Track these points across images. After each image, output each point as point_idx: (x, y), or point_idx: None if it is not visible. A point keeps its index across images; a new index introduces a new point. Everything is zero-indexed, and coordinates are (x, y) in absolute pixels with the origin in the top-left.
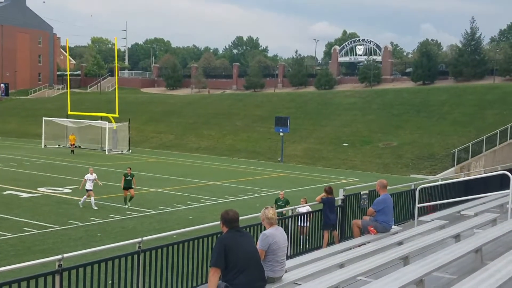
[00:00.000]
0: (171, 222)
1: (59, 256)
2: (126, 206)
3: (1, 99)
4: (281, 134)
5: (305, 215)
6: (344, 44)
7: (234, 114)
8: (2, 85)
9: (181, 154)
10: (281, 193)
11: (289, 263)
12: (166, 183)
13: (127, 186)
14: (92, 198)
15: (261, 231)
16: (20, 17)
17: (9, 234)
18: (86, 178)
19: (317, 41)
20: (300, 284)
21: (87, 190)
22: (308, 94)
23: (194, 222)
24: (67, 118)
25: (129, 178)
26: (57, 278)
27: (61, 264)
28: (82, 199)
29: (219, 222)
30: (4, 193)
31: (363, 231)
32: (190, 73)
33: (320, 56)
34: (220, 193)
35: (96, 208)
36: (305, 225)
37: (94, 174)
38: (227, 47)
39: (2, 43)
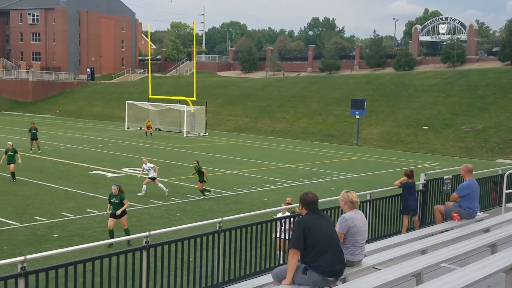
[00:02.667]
0: (246, 204)
1: (146, 233)
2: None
3: (87, 83)
4: (357, 117)
5: (285, 222)
6: (426, 23)
7: (309, 96)
8: (88, 69)
9: (256, 137)
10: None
11: (368, 247)
12: (241, 165)
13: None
14: (160, 185)
15: (338, 215)
16: (104, 3)
17: (96, 212)
18: (143, 168)
19: (397, 20)
20: (379, 269)
21: (151, 179)
22: (386, 75)
23: (269, 204)
24: (148, 101)
25: (196, 172)
26: (144, 254)
27: (148, 241)
28: (143, 190)
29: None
30: (91, 172)
31: (446, 217)
32: (265, 56)
33: (399, 36)
34: (294, 176)
35: (167, 190)
36: (283, 237)
37: (150, 164)
38: (303, 29)
39: (88, 29)
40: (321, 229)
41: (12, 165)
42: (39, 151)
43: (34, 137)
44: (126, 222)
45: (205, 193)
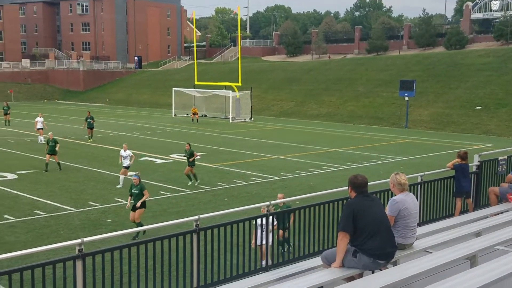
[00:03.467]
0: (293, 188)
1: (196, 217)
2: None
3: (135, 72)
4: (406, 98)
5: (267, 228)
6: (477, 0)
7: (355, 79)
8: (136, 58)
9: (301, 121)
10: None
11: (420, 230)
12: (287, 150)
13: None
14: (122, 177)
15: (388, 198)
16: None
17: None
18: (120, 155)
19: None
20: (431, 252)
21: (124, 167)
22: (437, 55)
23: (316, 188)
24: (194, 88)
25: (188, 156)
26: (195, 237)
27: (198, 225)
28: (120, 181)
29: (342, 188)
30: (141, 159)
31: (501, 199)
32: (311, 39)
33: (450, 14)
34: (341, 159)
35: (120, 186)
36: (264, 242)
37: (128, 151)
38: (349, 10)
39: (135, 18)
40: (371, 212)
41: (55, 156)
42: (91, 140)
43: (90, 126)
44: (140, 215)
45: (192, 178)
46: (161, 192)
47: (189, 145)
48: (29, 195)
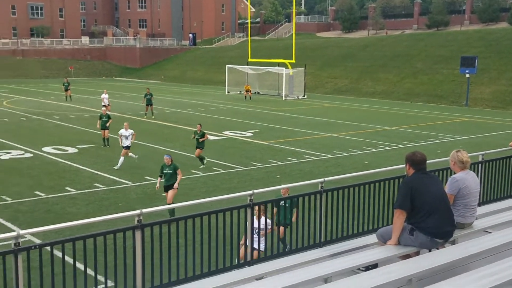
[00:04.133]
0: (346, 167)
1: (250, 192)
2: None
3: (189, 49)
4: (467, 75)
5: (265, 227)
6: None
7: (413, 55)
8: (190, 35)
9: (356, 99)
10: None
11: (480, 210)
12: (341, 128)
13: (196, 145)
14: (122, 158)
15: (447, 176)
16: None
17: (200, 173)
18: (120, 134)
19: None
20: (491, 232)
21: (124, 147)
22: (500, 30)
23: (371, 166)
24: (247, 65)
25: (198, 137)
26: (249, 211)
27: (252, 199)
28: (119, 163)
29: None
30: None
31: None
32: (367, 15)
33: None
34: (397, 138)
35: (118, 167)
36: (257, 247)
37: (130, 130)
38: None
39: None
40: (429, 190)
41: (106, 131)
42: (152, 116)
43: (149, 103)
44: (173, 196)
45: (203, 161)
46: (214, 168)
47: (200, 125)
48: (89, 169)
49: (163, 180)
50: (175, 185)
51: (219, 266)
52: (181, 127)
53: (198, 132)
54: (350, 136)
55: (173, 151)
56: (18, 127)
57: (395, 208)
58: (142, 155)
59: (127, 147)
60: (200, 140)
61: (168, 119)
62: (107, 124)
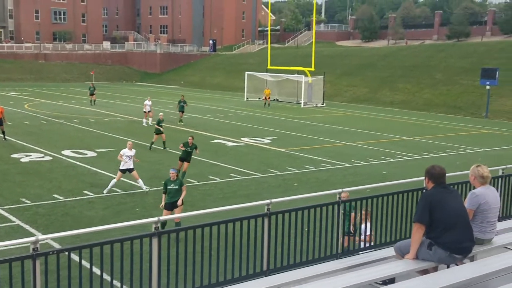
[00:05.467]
0: (364, 176)
1: (268, 201)
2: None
3: (209, 55)
4: (488, 87)
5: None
6: None
7: (433, 66)
8: (210, 41)
9: (375, 108)
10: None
11: (500, 225)
12: (359, 137)
13: (184, 157)
14: (139, 181)
15: (466, 191)
16: None
17: (218, 179)
18: (123, 154)
19: None
20: (511, 249)
21: (124, 171)
22: None
23: (388, 177)
24: (267, 72)
25: (188, 149)
26: (266, 220)
27: (270, 209)
28: (109, 185)
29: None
30: (213, 141)
31: None
32: (387, 24)
33: None
34: (415, 149)
35: (106, 192)
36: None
37: (134, 150)
38: None
39: (211, 2)
40: (448, 204)
41: (163, 135)
42: (181, 123)
43: (181, 109)
44: (180, 212)
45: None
46: (232, 174)
47: (192, 137)
48: (107, 173)
49: (166, 196)
50: (179, 202)
51: (235, 275)
52: (200, 133)
53: (190, 144)
54: (368, 145)
55: (192, 157)
56: (38, 130)
57: (414, 222)
58: (161, 160)
59: (131, 170)
60: (197, 152)
61: (187, 124)
62: (162, 129)
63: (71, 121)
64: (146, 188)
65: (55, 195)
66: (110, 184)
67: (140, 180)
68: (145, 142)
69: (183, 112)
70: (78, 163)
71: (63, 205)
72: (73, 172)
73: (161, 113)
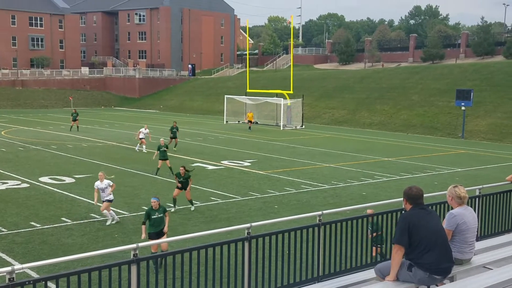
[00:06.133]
0: (344, 198)
1: (248, 225)
2: (174, 209)
3: (188, 79)
4: (463, 108)
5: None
6: None
7: (409, 87)
8: (189, 66)
9: (353, 130)
10: None
11: (479, 245)
12: (339, 159)
13: (180, 188)
14: (106, 212)
15: (444, 211)
16: (205, 1)
17: (198, 203)
18: (96, 187)
19: (507, 5)
20: (491, 269)
21: (107, 201)
22: (496, 64)
23: (368, 198)
24: (246, 95)
25: (182, 179)
26: (246, 244)
27: (250, 232)
28: (109, 217)
29: (395, 199)
30: (193, 165)
31: None
32: (364, 47)
33: (510, 22)
34: (394, 169)
35: (114, 222)
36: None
37: (106, 181)
38: (403, 18)
39: (189, 27)
40: (427, 225)
41: (167, 161)
42: (174, 148)
43: (174, 136)
44: (167, 243)
45: (174, 203)
46: (212, 198)
47: (184, 167)
48: (85, 199)
49: (150, 226)
50: (165, 229)
51: None
52: (179, 157)
53: (182, 175)
54: (348, 166)
55: (172, 180)
56: (15, 157)
57: (393, 243)
58: (140, 184)
59: (109, 201)
60: (190, 182)
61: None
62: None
63: (49, 147)
64: (111, 221)
65: (33, 223)
66: (109, 216)
67: (111, 212)
68: (124, 167)
69: (175, 138)
70: (55, 189)
71: (40, 232)
72: (50, 199)
73: (161, 139)
